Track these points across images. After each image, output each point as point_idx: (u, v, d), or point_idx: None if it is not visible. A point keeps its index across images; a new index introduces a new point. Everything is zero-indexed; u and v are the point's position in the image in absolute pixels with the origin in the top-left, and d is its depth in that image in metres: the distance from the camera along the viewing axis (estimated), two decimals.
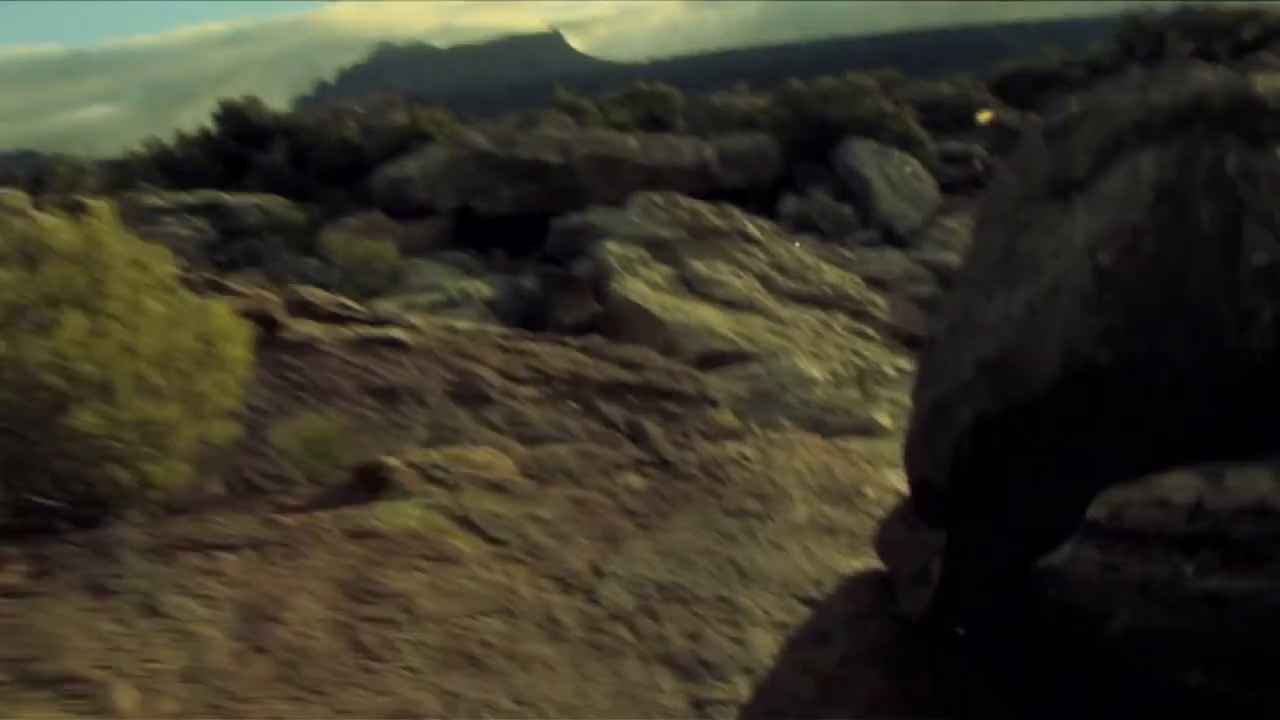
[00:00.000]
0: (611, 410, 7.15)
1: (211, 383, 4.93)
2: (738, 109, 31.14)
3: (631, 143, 25.34)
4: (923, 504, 4.21)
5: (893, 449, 7.44)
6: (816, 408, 13.86)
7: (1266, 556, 2.91)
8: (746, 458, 6.04)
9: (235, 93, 34.21)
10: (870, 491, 5.98)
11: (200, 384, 4.88)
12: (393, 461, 5.25)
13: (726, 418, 7.46)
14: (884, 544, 5.01)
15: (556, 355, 7.79)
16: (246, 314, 6.32)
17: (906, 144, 27.40)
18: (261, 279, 19.67)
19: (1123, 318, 3.15)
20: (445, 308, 17.23)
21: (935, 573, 4.31)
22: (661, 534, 5.13)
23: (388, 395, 6.67)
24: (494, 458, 5.51)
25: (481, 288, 18.35)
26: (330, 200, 27.74)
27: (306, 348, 6.92)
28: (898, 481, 5.94)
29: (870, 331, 18.36)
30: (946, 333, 3.93)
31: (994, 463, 3.55)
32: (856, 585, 4.99)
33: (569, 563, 4.76)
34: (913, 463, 4.23)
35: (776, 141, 27.14)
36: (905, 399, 14.85)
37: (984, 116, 32.16)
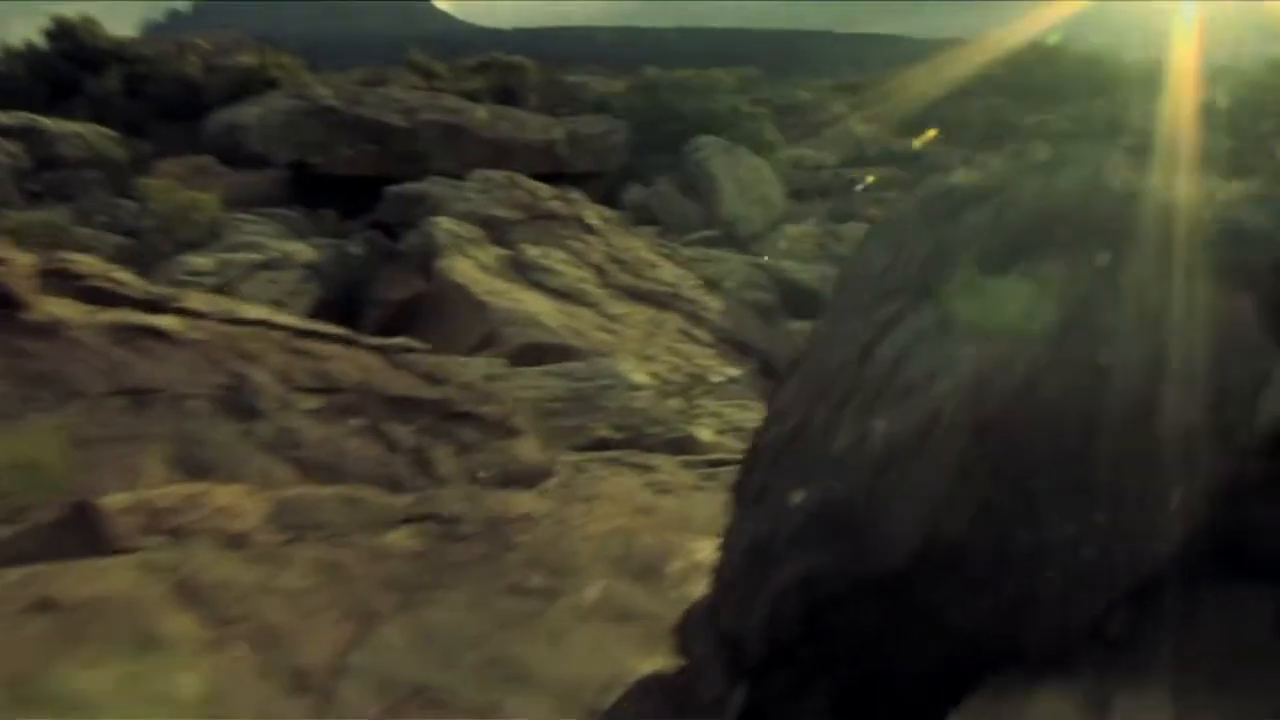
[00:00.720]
0: (401, 432, 6.26)
1: None
2: (592, 90, 30.30)
3: (480, 114, 24.35)
4: (729, 656, 3.42)
5: (707, 506, 6.71)
6: (637, 416, 13.10)
7: None
8: (538, 515, 5.24)
9: (77, 10, 32.07)
10: (676, 566, 5.20)
11: None
12: (113, 502, 4.31)
13: (529, 449, 6.63)
14: (683, 644, 4.25)
15: (349, 360, 6.86)
16: None
17: (759, 146, 26.91)
18: (68, 216, 18.29)
19: (1008, 489, 2.41)
20: (262, 270, 16.12)
21: (737, 702, 3.57)
22: (426, 614, 4.28)
23: (140, 400, 5.67)
24: (241, 500, 4.60)
25: (304, 250, 17.18)
26: (164, 138, 26.18)
27: (51, 333, 5.88)
28: (708, 554, 5.20)
29: (701, 335, 17.75)
30: (776, 447, 3.14)
31: (821, 640, 2.79)
32: (646, 693, 4.20)
33: (307, 652, 3.88)
34: (722, 605, 3.43)
35: (627, 128, 26.41)
36: (730, 411, 14.23)
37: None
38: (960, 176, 3.26)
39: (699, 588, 4.67)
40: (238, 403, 6.02)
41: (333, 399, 6.39)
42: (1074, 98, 41.82)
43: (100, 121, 24.87)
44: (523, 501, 5.38)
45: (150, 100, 28.60)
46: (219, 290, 15.30)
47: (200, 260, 15.82)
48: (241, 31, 36.50)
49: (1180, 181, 2.99)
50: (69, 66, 29.79)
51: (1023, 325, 2.55)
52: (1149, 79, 37.94)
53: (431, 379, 6.96)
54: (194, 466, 5.21)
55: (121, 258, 16.76)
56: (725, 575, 3.18)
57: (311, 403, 6.28)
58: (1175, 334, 2.47)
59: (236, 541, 4.33)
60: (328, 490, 5.01)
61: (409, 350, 7.54)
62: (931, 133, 34.69)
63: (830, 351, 3.17)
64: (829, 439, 2.80)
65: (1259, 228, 2.63)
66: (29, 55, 30.04)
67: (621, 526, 5.46)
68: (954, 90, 36.48)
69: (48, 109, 25.48)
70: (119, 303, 6.61)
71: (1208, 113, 34.34)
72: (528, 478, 6.12)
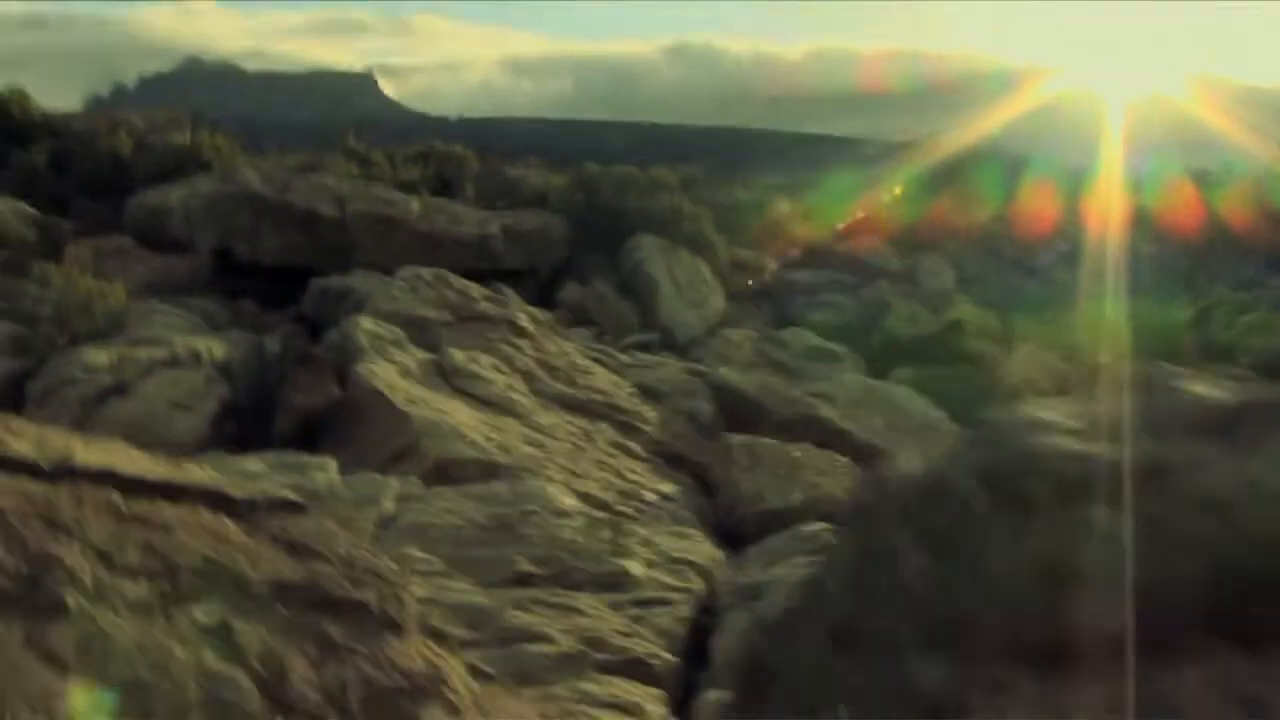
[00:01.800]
0: (250, 633, 4.84)
1: None
2: (532, 184, 29.15)
3: (413, 205, 23.04)
4: None
5: None
6: (562, 547, 11.74)
7: None
8: None
9: (25, 81, 31.08)
10: None
11: None
12: None
13: (413, 652, 5.22)
14: None
15: (199, 527, 5.43)
16: None
17: (699, 247, 25.79)
18: None
19: None
20: (166, 367, 14.66)
21: None
22: None
23: None
24: None
25: (216, 346, 15.69)
26: (88, 216, 24.81)
27: None
28: None
29: (635, 447, 16.45)
30: None
31: None
32: None
33: None
34: None
35: (566, 224, 25.21)
36: (663, 539, 12.85)
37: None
38: (969, 454, 1.90)
39: None
40: (35, 597, 4.58)
41: (167, 585, 4.96)
42: (1008, 199, 41.64)
43: (24, 197, 23.44)
44: None
45: (77, 177, 27.24)
46: (113, 391, 13.89)
47: (97, 356, 14.32)
48: (177, 109, 35.17)
49: None
50: None
51: None
52: (1078, 183, 37.89)
53: (301, 551, 5.56)
54: None
55: (14, 350, 15.28)
56: None
57: (137, 591, 4.84)
58: None
59: None
60: None
61: (284, 506, 6.13)
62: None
63: None
64: None
65: None
66: None
67: None
68: (893, 191, 36.25)
69: None
70: None
71: (1135, 218, 34.10)
72: (405, 697, 4.73)
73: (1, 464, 5.33)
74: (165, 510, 5.50)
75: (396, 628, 5.33)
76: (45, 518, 5.02)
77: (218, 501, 5.88)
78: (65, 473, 5.53)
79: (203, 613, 4.95)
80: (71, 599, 4.68)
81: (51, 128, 29.95)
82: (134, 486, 5.66)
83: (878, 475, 1.98)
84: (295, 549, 5.61)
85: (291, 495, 6.63)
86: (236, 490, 6.33)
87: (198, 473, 6.49)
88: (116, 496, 5.43)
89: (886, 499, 2.06)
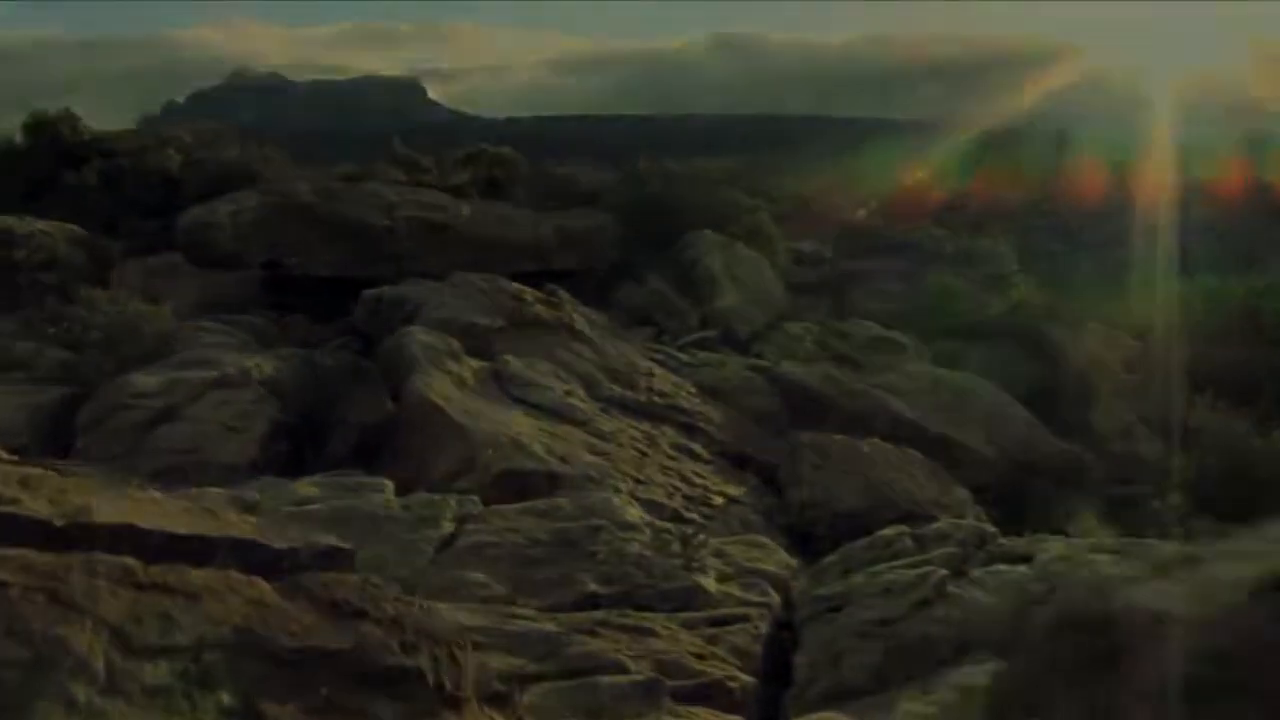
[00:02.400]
0: (283, 716, 4.20)
1: None
2: (582, 182, 28.40)
3: (464, 210, 22.38)
4: None
5: None
6: (630, 563, 11.05)
7: None
8: None
9: (79, 105, 30.70)
10: None
11: None
12: None
13: None
14: None
15: (229, 590, 4.78)
16: None
17: (756, 239, 25.01)
18: (13, 328, 16.31)
19: None
20: (215, 389, 14.13)
21: None
22: None
23: None
24: None
25: (265, 365, 15.08)
26: (139, 235, 24.37)
27: None
28: None
29: (699, 449, 15.80)
30: None
31: None
32: None
33: None
34: None
35: (619, 222, 24.44)
36: (735, 549, 12.12)
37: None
38: None
39: None
40: (41, 689, 3.96)
41: (190, 663, 4.31)
42: (1062, 175, 40.93)
43: (76, 219, 23.04)
44: None
45: (127, 196, 26.83)
46: (163, 417, 13.40)
47: (146, 380, 13.84)
48: (226, 123, 34.85)
49: None
50: (47, 162, 28.11)
51: None
52: (1132, 155, 36.79)
53: (345, 612, 4.89)
54: None
55: (63, 377, 14.81)
56: None
57: (156, 673, 4.19)
58: None
59: None
60: None
61: (327, 555, 5.48)
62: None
63: None
64: None
65: None
66: (6, 151, 28.39)
67: None
68: (945, 171, 35.67)
69: (25, 205, 23.73)
70: None
71: (1187, 189, 33.03)
72: None
73: (12, 525, 4.71)
74: (191, 575, 4.85)
75: (453, 700, 4.65)
76: (52, 593, 4.38)
77: (252, 556, 5.23)
78: (81, 532, 4.90)
79: (229, 694, 4.31)
80: (80, 691, 4.05)
81: (101, 148, 29.58)
82: (156, 548, 5.02)
83: (1113, 612, 1.31)
84: (338, 609, 4.94)
85: (336, 541, 5.98)
86: (275, 540, 5.67)
87: (234, 521, 5.84)
88: (135, 563, 4.78)
89: (1154, 648, 1.38)
